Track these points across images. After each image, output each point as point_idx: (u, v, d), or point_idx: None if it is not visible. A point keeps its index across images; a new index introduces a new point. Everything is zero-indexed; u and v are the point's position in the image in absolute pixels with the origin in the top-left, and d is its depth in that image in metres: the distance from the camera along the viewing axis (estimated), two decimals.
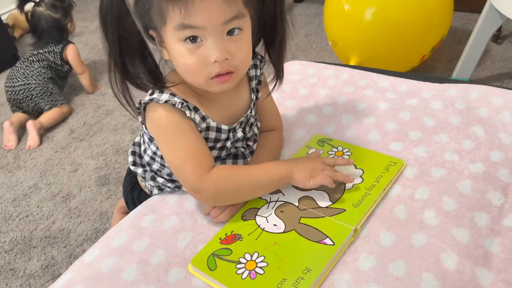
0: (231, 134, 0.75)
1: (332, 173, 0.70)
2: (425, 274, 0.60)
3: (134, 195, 0.93)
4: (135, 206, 0.88)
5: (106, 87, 2.15)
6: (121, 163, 1.62)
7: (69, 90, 2.15)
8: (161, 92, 0.68)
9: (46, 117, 1.86)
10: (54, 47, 1.95)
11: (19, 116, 1.89)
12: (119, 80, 0.66)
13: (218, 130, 0.73)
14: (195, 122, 0.70)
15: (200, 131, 0.71)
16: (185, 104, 0.68)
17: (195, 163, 0.68)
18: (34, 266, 1.25)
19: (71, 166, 1.64)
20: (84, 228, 1.36)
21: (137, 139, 0.86)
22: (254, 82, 0.79)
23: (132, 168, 0.83)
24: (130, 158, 0.84)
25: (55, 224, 1.39)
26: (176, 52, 0.64)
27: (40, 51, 1.94)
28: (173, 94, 0.68)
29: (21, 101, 1.88)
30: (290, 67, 1.16)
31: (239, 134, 0.76)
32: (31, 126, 1.78)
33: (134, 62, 0.65)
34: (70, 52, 1.96)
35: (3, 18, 2.68)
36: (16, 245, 1.33)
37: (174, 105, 0.67)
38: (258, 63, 0.80)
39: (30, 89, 1.86)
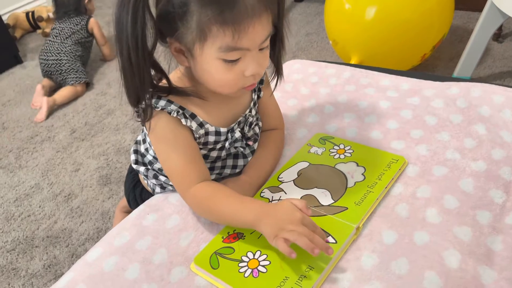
0: (229, 134, 0.75)
1: (305, 232, 0.59)
2: (428, 272, 0.60)
3: (136, 193, 0.93)
4: (137, 204, 0.88)
5: (107, 87, 2.15)
6: (122, 162, 1.62)
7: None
8: (159, 98, 0.68)
9: (60, 94, 2.05)
10: (79, 20, 2.18)
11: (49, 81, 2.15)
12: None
13: (217, 133, 0.74)
14: (192, 129, 0.70)
15: (199, 137, 0.72)
16: (181, 112, 0.68)
17: (179, 179, 0.71)
18: (36, 265, 1.26)
19: (73, 166, 1.64)
20: (86, 228, 1.36)
21: (139, 137, 0.86)
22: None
23: (134, 166, 0.84)
24: (133, 157, 0.84)
25: (57, 223, 1.39)
26: (212, 67, 0.64)
27: (66, 24, 2.16)
28: (170, 101, 0.69)
29: (52, 73, 2.12)
30: (291, 66, 1.16)
31: (237, 134, 0.76)
32: (45, 102, 1.97)
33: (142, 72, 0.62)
34: (94, 25, 2.23)
35: (4, 18, 2.69)
36: (18, 245, 1.33)
37: (170, 113, 0.67)
38: None
39: (61, 65, 2.10)
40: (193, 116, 0.71)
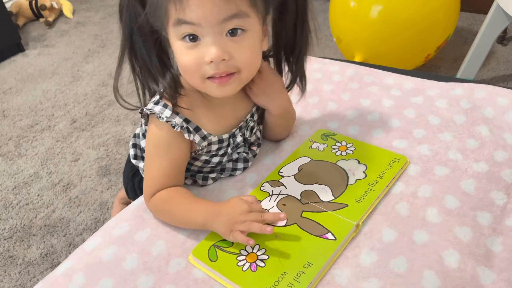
0: (231, 140, 0.74)
1: (255, 217, 0.63)
2: (426, 271, 0.60)
3: (135, 182, 0.92)
4: (135, 193, 0.87)
5: (109, 77, 2.14)
6: (122, 154, 1.62)
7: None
8: (165, 106, 0.67)
9: None
10: None
11: None
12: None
13: (220, 141, 0.73)
14: (194, 142, 0.70)
15: (201, 149, 0.72)
16: (185, 126, 0.67)
17: (151, 183, 0.71)
18: (33, 254, 1.26)
19: (72, 155, 1.64)
20: (84, 218, 1.36)
21: (137, 131, 0.84)
22: None
23: (133, 161, 0.83)
24: (131, 151, 0.83)
25: (55, 213, 1.39)
26: (176, 50, 0.62)
27: None
28: (176, 112, 0.67)
29: None
30: None
31: (238, 139, 0.74)
32: None
33: (152, 60, 0.65)
34: None
35: (7, 6, 2.67)
36: (16, 233, 1.33)
37: (173, 126, 0.67)
38: None
39: None
40: (197, 130, 0.70)
